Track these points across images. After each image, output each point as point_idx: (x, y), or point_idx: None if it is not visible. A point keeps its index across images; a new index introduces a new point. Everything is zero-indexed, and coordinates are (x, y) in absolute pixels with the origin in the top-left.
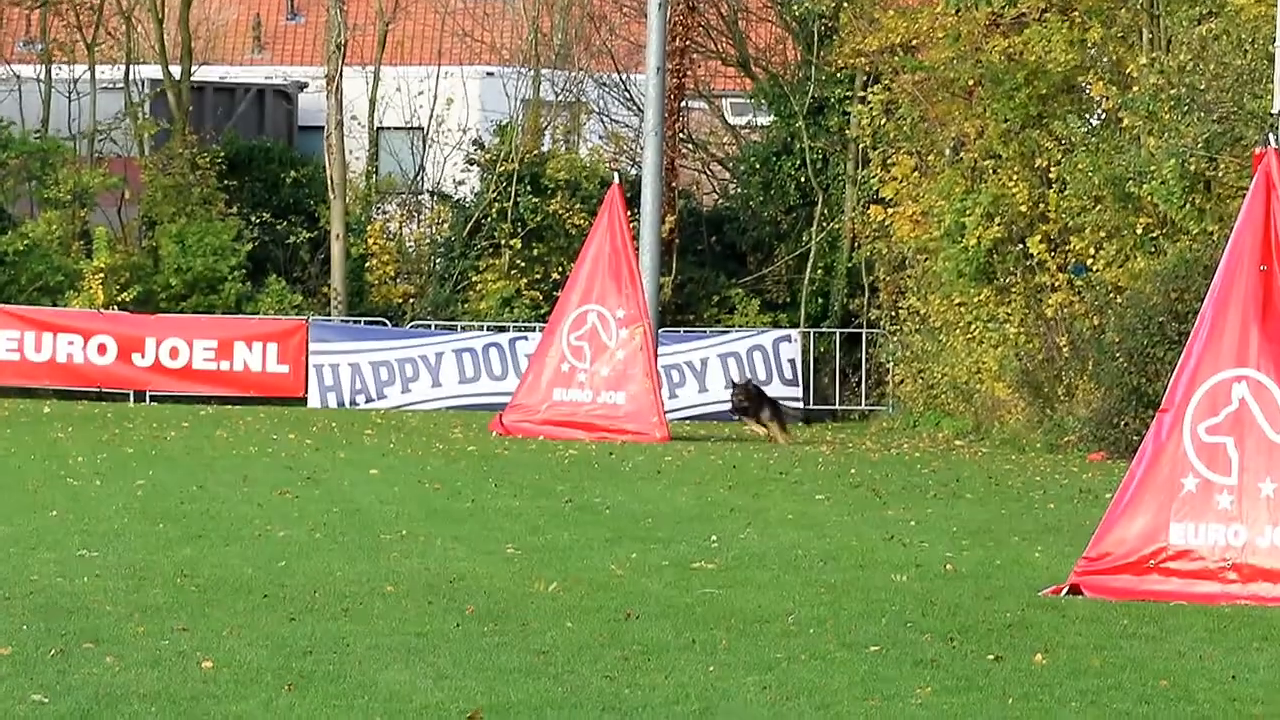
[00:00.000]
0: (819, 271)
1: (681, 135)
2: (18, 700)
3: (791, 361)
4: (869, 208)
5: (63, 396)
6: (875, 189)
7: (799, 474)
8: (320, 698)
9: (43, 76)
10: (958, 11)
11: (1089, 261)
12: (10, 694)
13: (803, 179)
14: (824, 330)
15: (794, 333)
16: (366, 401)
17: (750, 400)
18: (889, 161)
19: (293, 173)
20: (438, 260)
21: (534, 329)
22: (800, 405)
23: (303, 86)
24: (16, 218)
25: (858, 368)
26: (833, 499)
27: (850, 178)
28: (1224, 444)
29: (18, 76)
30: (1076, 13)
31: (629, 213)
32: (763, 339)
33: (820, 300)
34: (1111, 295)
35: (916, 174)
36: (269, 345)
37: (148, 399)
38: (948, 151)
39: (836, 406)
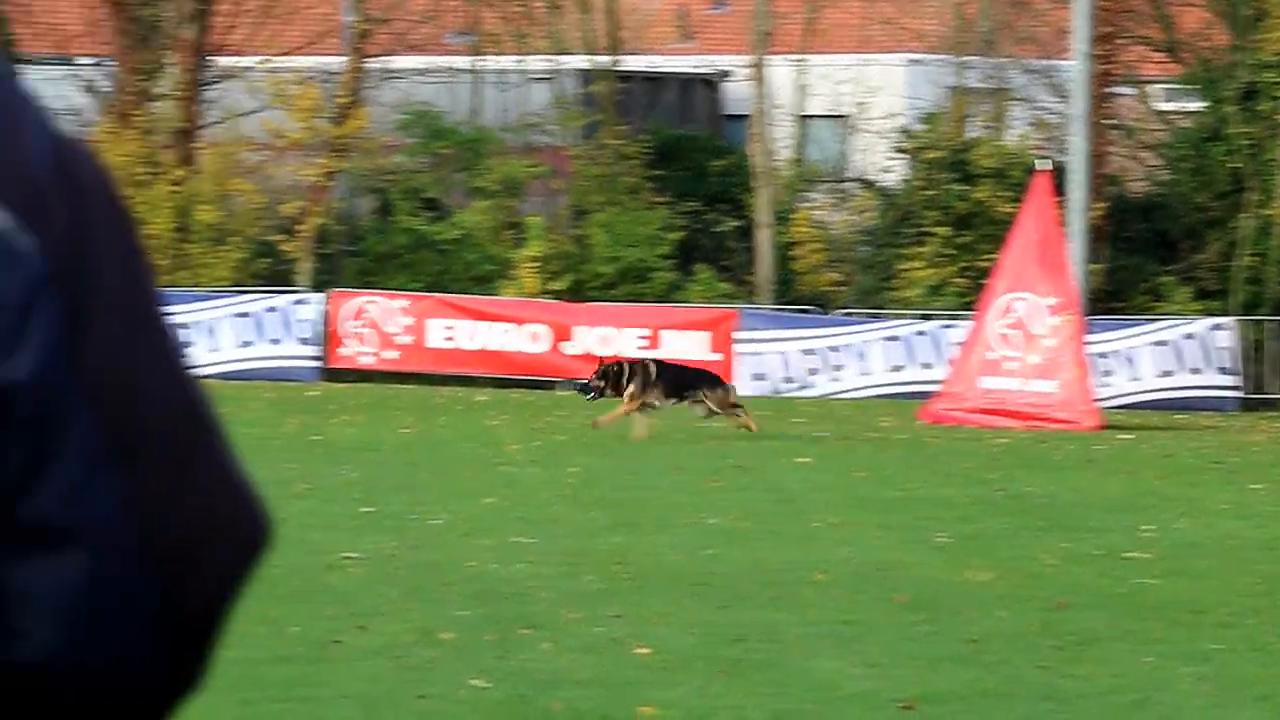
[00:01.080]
0: (1252, 259)
1: (1109, 121)
2: (458, 685)
3: (1227, 350)
4: None
5: (497, 384)
6: None
7: (1235, 463)
8: (752, 685)
9: (473, 68)
10: None
11: None
12: (452, 678)
13: (1233, 165)
14: (1259, 318)
15: (1227, 321)
16: (795, 390)
17: (607, 379)
18: None
19: (719, 162)
20: (864, 248)
21: (962, 317)
22: (1204, 389)
23: (727, 75)
24: (450, 208)
25: None
26: (1270, 488)
27: None
28: None
29: (451, 69)
30: None
31: (1057, 200)
32: (1195, 327)
33: (1254, 288)
34: None
35: None
36: (699, 334)
37: (572, 386)
38: None
39: (1275, 395)
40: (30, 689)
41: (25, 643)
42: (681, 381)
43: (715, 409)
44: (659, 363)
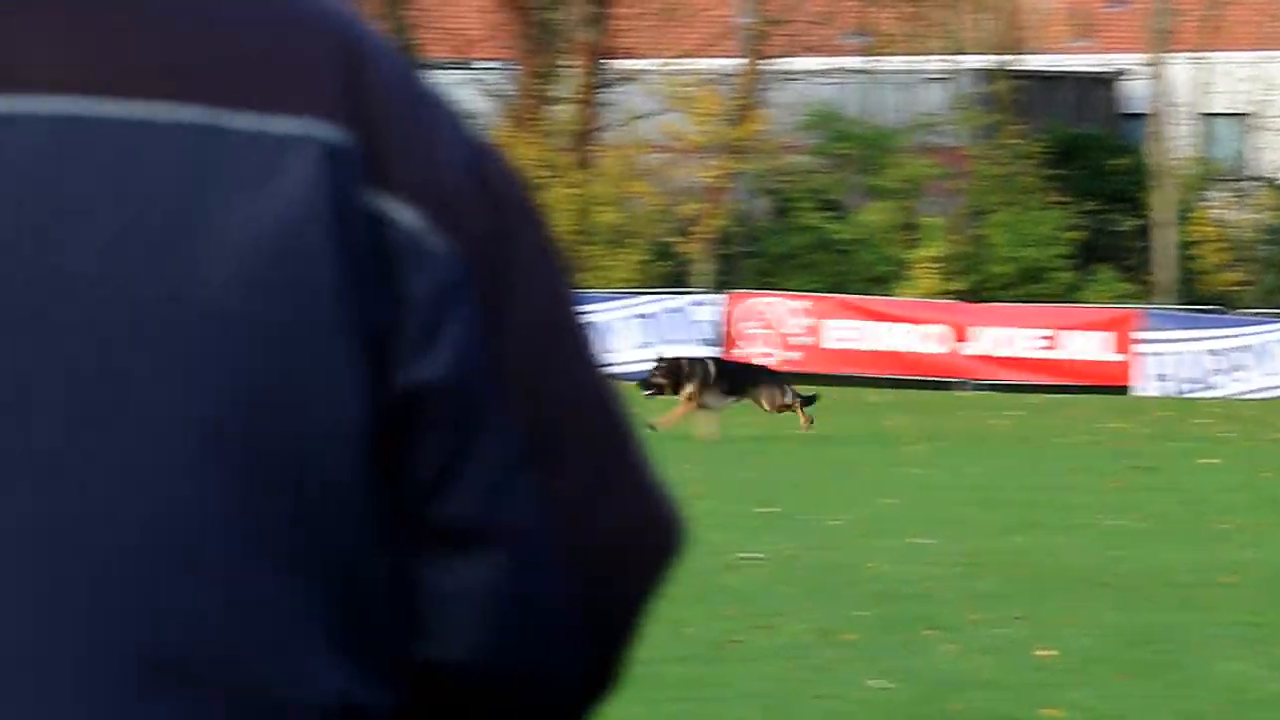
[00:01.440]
0: None
1: None
2: (859, 685)
3: None
4: None
5: (894, 385)
6: None
7: None
8: (1156, 686)
9: (867, 68)
10: None
11: None
12: (852, 679)
13: None
14: None
15: None
16: (1199, 390)
17: (669, 378)
18: None
19: (1117, 161)
20: (1268, 247)
21: None
22: None
23: (1123, 74)
24: (848, 208)
25: None
26: None
27: None
28: None
29: (845, 69)
30: None
31: None
32: None
33: None
34: None
35: None
36: (1099, 334)
37: (969, 387)
38: None
39: None
40: (444, 689)
41: (435, 643)
42: (739, 380)
43: (768, 408)
44: (718, 361)
